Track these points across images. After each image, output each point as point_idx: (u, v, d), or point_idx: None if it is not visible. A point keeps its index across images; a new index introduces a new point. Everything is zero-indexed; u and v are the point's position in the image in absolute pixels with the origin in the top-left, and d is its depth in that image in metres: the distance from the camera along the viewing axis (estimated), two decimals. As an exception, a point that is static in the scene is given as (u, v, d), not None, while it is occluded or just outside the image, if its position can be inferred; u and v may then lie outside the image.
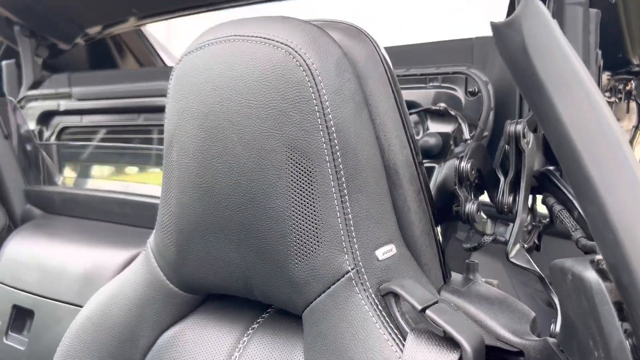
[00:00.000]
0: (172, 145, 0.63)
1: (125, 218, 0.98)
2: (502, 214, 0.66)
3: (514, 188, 0.65)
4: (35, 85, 1.31)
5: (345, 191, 0.55)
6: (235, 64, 0.57)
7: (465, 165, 0.65)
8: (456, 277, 0.68)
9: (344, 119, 0.55)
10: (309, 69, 0.54)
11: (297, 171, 0.55)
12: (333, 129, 0.54)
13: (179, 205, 0.63)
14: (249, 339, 0.62)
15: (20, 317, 0.92)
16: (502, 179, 0.67)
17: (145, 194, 0.96)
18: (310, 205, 0.55)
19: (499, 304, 0.64)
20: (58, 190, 1.13)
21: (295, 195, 0.55)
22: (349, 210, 0.55)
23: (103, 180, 1.21)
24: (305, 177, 0.55)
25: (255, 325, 0.64)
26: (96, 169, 1.21)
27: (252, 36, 0.57)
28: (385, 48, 0.63)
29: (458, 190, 0.65)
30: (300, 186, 0.55)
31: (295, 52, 0.54)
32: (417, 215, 0.61)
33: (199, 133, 0.59)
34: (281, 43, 0.55)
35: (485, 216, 0.66)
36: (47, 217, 1.12)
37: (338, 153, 0.55)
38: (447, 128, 0.83)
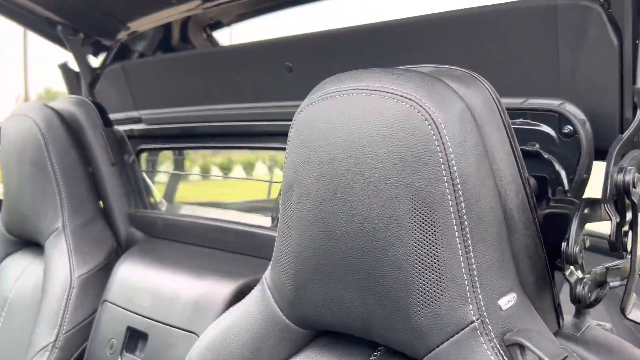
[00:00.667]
0: (292, 190, 0.66)
1: (226, 245, 1.03)
2: (614, 252, 0.65)
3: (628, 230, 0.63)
4: (93, 83, 1.40)
5: (469, 241, 0.56)
6: (359, 116, 0.59)
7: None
8: (567, 319, 0.67)
9: (467, 170, 0.56)
10: (434, 123, 0.55)
11: (420, 221, 0.56)
12: (457, 180, 0.55)
13: (297, 246, 0.66)
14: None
15: (134, 338, 0.98)
16: (613, 219, 0.65)
17: (245, 223, 1.01)
18: (434, 254, 0.56)
19: (618, 353, 0.63)
20: (161, 215, 1.20)
21: (419, 245, 0.56)
22: (472, 260, 0.56)
23: (200, 207, 1.27)
24: (429, 227, 0.56)
25: (366, 364, 0.66)
26: (192, 194, 1.28)
27: (374, 89, 0.59)
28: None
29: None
30: (424, 236, 0.56)
31: (420, 105, 0.56)
32: (533, 260, 0.61)
33: (320, 180, 0.62)
34: (405, 97, 0.57)
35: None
36: (150, 241, 1.19)
37: (462, 204, 0.56)
38: (541, 170, 0.78)
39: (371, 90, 0.60)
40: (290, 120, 0.98)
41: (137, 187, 1.27)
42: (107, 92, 1.43)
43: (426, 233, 0.56)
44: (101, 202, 1.23)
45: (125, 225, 1.24)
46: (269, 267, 0.73)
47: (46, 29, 1.36)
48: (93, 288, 1.10)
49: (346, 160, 0.60)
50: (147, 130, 1.33)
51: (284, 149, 1.15)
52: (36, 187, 1.14)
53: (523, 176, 0.62)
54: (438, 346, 0.57)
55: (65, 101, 1.27)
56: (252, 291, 0.75)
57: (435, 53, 0.90)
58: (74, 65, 1.42)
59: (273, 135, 1.14)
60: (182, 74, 1.21)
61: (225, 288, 0.89)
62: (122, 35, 1.33)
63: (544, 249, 0.63)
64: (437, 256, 0.56)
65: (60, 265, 1.09)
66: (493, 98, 0.63)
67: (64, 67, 1.45)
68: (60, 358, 1.02)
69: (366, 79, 0.61)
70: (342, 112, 0.61)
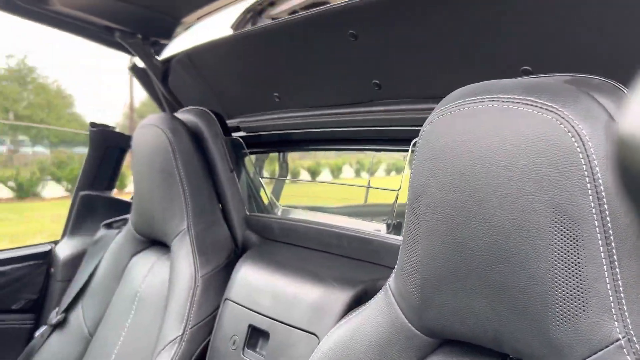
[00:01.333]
0: (419, 200, 0.68)
1: (340, 250, 1.06)
2: None
3: None
4: (164, 78, 1.46)
5: (614, 256, 0.54)
6: (495, 127, 0.59)
7: None
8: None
9: (612, 184, 0.55)
10: (579, 136, 0.54)
11: (562, 234, 0.56)
12: (603, 193, 0.54)
13: (425, 255, 0.68)
14: (491, 387, 0.64)
15: (256, 336, 1.04)
16: None
17: (360, 229, 1.03)
18: (576, 268, 0.55)
19: None
20: (277, 219, 1.25)
21: (559, 258, 0.56)
22: (618, 275, 0.54)
23: (310, 212, 1.32)
24: (572, 240, 0.55)
25: (495, 374, 0.66)
26: (306, 200, 1.34)
27: (512, 100, 0.59)
28: None
29: None
30: (565, 249, 0.56)
31: (562, 117, 0.55)
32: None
33: (452, 192, 0.63)
34: (546, 108, 0.57)
35: None
36: (266, 243, 1.26)
37: (608, 218, 0.54)
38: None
39: (508, 100, 0.60)
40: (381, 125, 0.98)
41: (254, 191, 1.35)
42: (180, 82, 1.51)
43: (568, 246, 0.56)
44: (220, 206, 1.31)
45: (242, 228, 1.31)
46: (393, 274, 0.74)
47: (105, 37, 1.44)
48: (215, 287, 1.17)
49: (481, 172, 0.61)
50: (248, 137, 1.40)
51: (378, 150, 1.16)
52: (165, 192, 1.24)
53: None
54: (579, 363, 0.56)
55: (188, 112, 1.37)
56: (376, 297, 0.77)
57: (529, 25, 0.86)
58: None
59: (372, 141, 1.16)
60: (250, 56, 1.23)
61: (345, 292, 0.92)
62: (179, 31, 1.37)
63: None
64: (580, 270, 0.55)
65: (185, 265, 1.18)
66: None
67: (133, 68, 1.55)
68: (187, 350, 1.10)
69: (501, 89, 0.61)
70: (477, 123, 0.61)
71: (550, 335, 0.57)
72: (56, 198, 11.52)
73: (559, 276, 0.56)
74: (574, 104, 0.57)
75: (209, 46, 1.27)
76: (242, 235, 1.31)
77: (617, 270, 0.55)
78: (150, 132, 1.26)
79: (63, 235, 1.67)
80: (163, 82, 1.51)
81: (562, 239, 0.56)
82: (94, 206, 1.64)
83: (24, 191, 11.34)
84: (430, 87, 1.01)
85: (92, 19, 1.35)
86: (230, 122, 1.44)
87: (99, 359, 1.30)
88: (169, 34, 1.40)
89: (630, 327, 0.54)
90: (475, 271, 0.62)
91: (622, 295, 0.54)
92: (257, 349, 1.02)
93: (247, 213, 1.32)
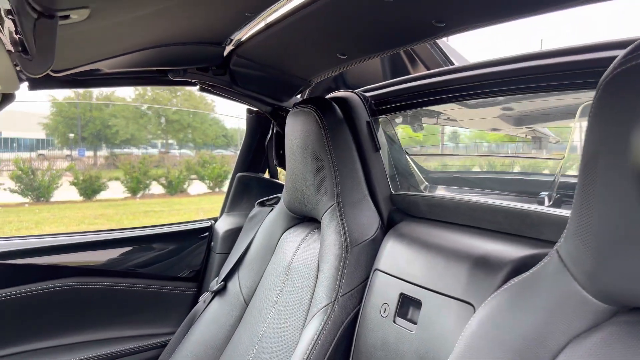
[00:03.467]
0: (598, 157, 0.65)
1: (494, 225, 1.04)
2: None
3: None
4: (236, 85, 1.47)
5: None
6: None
7: None
8: None
9: None
10: None
11: None
12: None
13: (602, 216, 0.65)
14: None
15: (407, 304, 1.06)
16: None
17: (516, 204, 1.00)
18: None
19: None
20: (423, 195, 1.27)
21: None
22: None
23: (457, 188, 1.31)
24: None
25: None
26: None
27: None
28: None
29: None
30: None
31: None
32: None
33: (631, 149, 0.60)
34: None
35: None
36: (413, 220, 1.27)
37: None
38: None
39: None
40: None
41: (400, 169, 1.37)
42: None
43: None
44: (367, 185, 1.36)
45: (387, 205, 1.34)
46: (562, 239, 0.72)
47: (160, 79, 1.47)
48: (364, 258, 1.22)
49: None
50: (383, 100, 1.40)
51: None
52: (317, 172, 1.31)
53: None
54: None
55: (338, 94, 1.44)
56: (540, 264, 0.75)
57: None
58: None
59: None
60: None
61: (503, 264, 0.90)
62: (227, 50, 1.33)
63: None
64: None
65: (335, 237, 1.24)
66: None
67: (202, 90, 1.55)
68: (339, 316, 1.16)
69: None
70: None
71: None
72: (200, 194, 12.61)
73: None
74: None
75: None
76: (387, 212, 1.34)
77: None
78: (303, 114, 1.34)
79: (222, 213, 1.84)
80: (236, 88, 1.53)
81: None
82: (249, 186, 1.78)
83: (173, 188, 12.56)
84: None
85: (139, 69, 1.40)
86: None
87: (254, 324, 1.42)
88: (218, 60, 1.39)
89: None
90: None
91: None
92: (409, 317, 1.04)
93: (392, 191, 1.35)
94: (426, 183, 1.37)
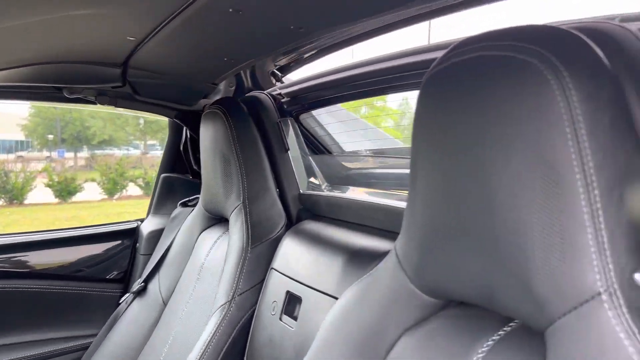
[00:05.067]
0: (418, 153, 0.67)
1: (376, 222, 1.06)
2: None
3: None
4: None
5: (598, 205, 0.51)
6: (482, 74, 0.58)
7: None
8: None
9: (598, 128, 0.51)
10: (556, 70, 0.51)
11: (541, 182, 0.53)
12: (584, 137, 0.51)
13: (423, 213, 0.67)
14: (488, 350, 0.62)
15: (292, 301, 1.08)
16: None
17: (392, 203, 1.03)
18: (555, 218, 0.52)
19: None
20: (324, 195, 1.29)
21: (540, 208, 0.53)
22: (602, 226, 0.50)
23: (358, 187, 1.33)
24: (552, 188, 0.52)
25: (496, 337, 0.63)
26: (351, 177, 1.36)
27: (499, 44, 0.57)
28: None
29: None
30: (545, 198, 0.53)
31: (545, 59, 0.53)
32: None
33: (446, 147, 0.62)
34: (529, 52, 0.54)
35: None
36: (315, 218, 1.29)
37: (590, 163, 0.51)
38: None
39: (495, 44, 0.58)
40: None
41: (307, 170, 1.39)
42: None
43: (549, 195, 0.53)
44: (275, 185, 1.37)
45: (295, 205, 1.36)
46: (399, 236, 0.75)
47: (54, 96, 1.46)
48: (264, 257, 1.24)
49: (471, 124, 0.59)
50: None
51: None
52: (225, 172, 1.33)
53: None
54: (560, 318, 0.53)
55: (249, 96, 1.45)
56: (385, 259, 0.78)
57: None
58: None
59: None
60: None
61: (371, 257, 0.93)
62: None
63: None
64: (561, 221, 0.52)
65: (238, 236, 1.26)
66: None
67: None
68: (235, 315, 1.17)
69: (492, 35, 0.59)
70: (470, 73, 0.60)
71: (532, 290, 0.55)
72: (176, 195, 12.45)
73: (539, 226, 0.53)
74: (559, 45, 0.54)
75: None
76: (295, 212, 1.36)
77: (601, 220, 0.51)
78: (210, 117, 1.35)
79: (148, 214, 1.84)
80: (139, 98, 1.52)
81: (542, 187, 0.53)
82: (173, 187, 1.79)
83: (150, 188, 12.46)
84: None
85: (30, 84, 1.37)
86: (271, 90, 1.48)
87: (169, 324, 1.43)
88: (116, 80, 1.38)
89: (614, 279, 0.50)
90: (466, 225, 0.61)
91: (605, 247, 0.50)
92: (292, 314, 1.06)
93: (300, 191, 1.37)
94: (326, 183, 1.39)
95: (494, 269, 0.58)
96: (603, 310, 0.50)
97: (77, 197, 11.85)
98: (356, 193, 1.25)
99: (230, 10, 0.94)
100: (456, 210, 0.61)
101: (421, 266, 0.68)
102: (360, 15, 0.89)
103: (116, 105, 1.51)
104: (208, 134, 1.37)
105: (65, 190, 11.73)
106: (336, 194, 1.26)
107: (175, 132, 1.76)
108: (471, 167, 0.59)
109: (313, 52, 1.36)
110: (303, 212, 1.35)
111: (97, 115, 16.55)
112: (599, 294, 0.50)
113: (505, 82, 0.55)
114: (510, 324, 0.64)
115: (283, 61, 1.46)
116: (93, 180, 12.26)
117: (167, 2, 0.95)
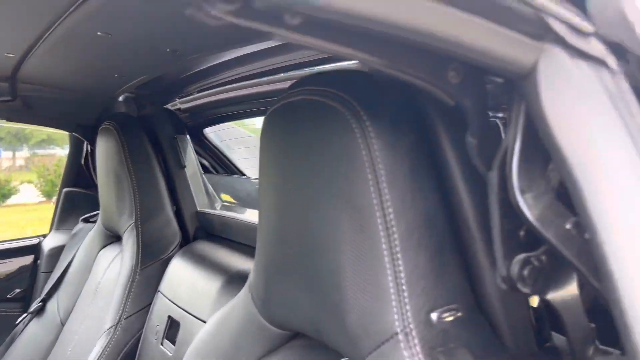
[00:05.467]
0: (261, 188, 0.69)
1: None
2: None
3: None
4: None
5: (397, 247, 0.53)
6: (304, 118, 0.59)
7: None
8: (560, 341, 0.59)
9: (397, 176, 0.53)
10: (360, 119, 0.53)
11: (349, 223, 0.55)
12: (384, 184, 0.53)
13: (265, 249, 0.69)
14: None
15: (173, 327, 1.07)
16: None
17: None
18: (362, 260, 0.54)
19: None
20: (217, 214, 1.29)
21: (348, 248, 0.55)
22: (400, 268, 0.53)
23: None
24: (358, 230, 0.54)
25: (335, 369, 0.65)
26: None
27: (315, 88, 0.59)
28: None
29: None
30: (353, 238, 0.55)
31: (348, 105, 0.54)
32: (489, 271, 0.55)
33: (277, 186, 0.64)
34: (334, 97, 0.56)
35: None
36: (210, 238, 1.29)
37: (390, 209, 0.53)
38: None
39: (309, 89, 0.59)
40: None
41: (205, 187, 1.39)
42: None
43: (355, 236, 0.55)
44: (171, 202, 1.36)
45: (192, 223, 1.35)
46: (252, 267, 0.75)
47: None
48: (154, 279, 1.22)
49: (292, 165, 0.61)
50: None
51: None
52: (118, 190, 1.30)
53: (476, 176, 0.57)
54: (368, 355, 0.55)
55: (145, 111, 1.43)
56: (243, 288, 0.79)
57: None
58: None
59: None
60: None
61: (242, 282, 0.93)
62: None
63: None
64: (366, 261, 0.54)
65: (129, 257, 1.24)
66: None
67: None
68: (121, 339, 1.15)
69: (308, 81, 0.61)
70: (295, 116, 0.61)
71: (346, 327, 0.57)
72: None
73: (349, 266, 0.55)
74: (364, 90, 0.56)
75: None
76: (192, 230, 1.35)
77: (400, 262, 0.53)
78: (106, 133, 1.32)
79: (50, 229, 1.78)
80: (32, 112, 1.48)
81: (350, 228, 0.55)
82: (76, 202, 1.74)
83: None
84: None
85: None
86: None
87: (65, 345, 1.38)
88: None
89: (411, 320, 0.52)
90: (294, 264, 0.63)
91: (404, 287, 0.53)
92: (172, 339, 1.06)
93: (198, 209, 1.36)
94: (220, 202, 1.39)
95: (319, 305, 0.60)
96: (399, 350, 0.52)
97: (13, 199, 11.30)
98: (249, 213, 1.26)
99: (99, 33, 0.92)
100: (288, 248, 0.63)
101: (266, 299, 0.70)
102: (231, 42, 0.90)
103: (8, 119, 1.45)
104: (101, 151, 1.34)
105: (-1, 193, 11.17)
106: (228, 213, 1.26)
107: (76, 146, 1.71)
108: (297, 207, 0.60)
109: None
110: (200, 231, 1.34)
111: (35, 114, 15.85)
112: (397, 333, 0.52)
113: (319, 127, 0.57)
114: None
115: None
116: (30, 182, 11.73)
117: (35, 23, 0.92)
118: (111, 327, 1.15)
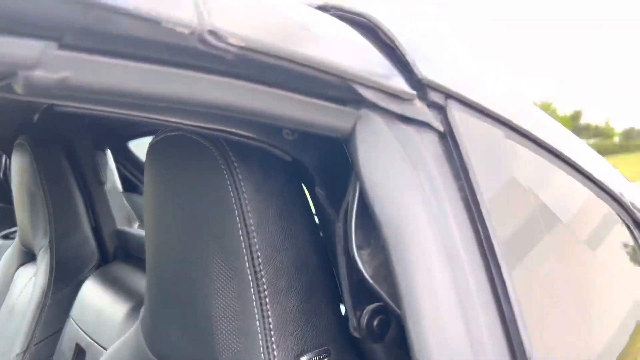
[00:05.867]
0: (145, 224, 0.67)
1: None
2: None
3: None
4: None
5: (265, 292, 0.52)
6: (180, 154, 0.58)
7: None
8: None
9: (266, 220, 0.52)
10: (228, 159, 0.52)
11: (220, 267, 0.54)
12: (252, 228, 0.52)
13: (151, 283, 0.67)
14: None
15: (80, 356, 1.04)
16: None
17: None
18: (232, 306, 0.53)
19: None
20: (134, 233, 1.25)
21: (219, 292, 0.54)
22: (268, 313, 0.52)
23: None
24: (229, 274, 0.53)
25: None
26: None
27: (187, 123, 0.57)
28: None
29: None
30: (224, 283, 0.54)
31: (219, 140, 0.53)
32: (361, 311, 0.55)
33: (158, 221, 0.62)
34: (205, 138, 0.54)
35: None
36: (128, 258, 1.25)
37: (258, 252, 0.52)
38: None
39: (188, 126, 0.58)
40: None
41: (123, 205, 1.35)
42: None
43: (226, 280, 0.54)
44: (89, 220, 1.31)
45: (113, 242, 1.31)
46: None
47: None
48: (66, 302, 1.17)
49: (167, 202, 0.59)
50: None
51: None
52: (31, 208, 1.25)
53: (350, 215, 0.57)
54: (239, 402, 0.54)
55: (61, 126, 1.37)
56: (139, 319, 0.76)
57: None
58: None
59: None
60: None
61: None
62: None
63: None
64: (236, 308, 0.53)
65: (41, 280, 1.19)
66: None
67: None
68: (29, 368, 1.11)
69: None
70: (172, 150, 0.60)
71: (221, 373, 0.55)
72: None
73: (221, 313, 0.54)
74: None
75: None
76: (112, 250, 1.31)
77: (268, 307, 0.52)
78: (20, 149, 1.27)
79: (-32, 246, 1.70)
80: None
81: (221, 272, 0.54)
82: (-3, 217, 1.67)
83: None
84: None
85: None
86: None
87: (-23, 372, 1.32)
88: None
89: (278, 367, 0.52)
90: (175, 299, 0.61)
91: (272, 333, 0.52)
92: (82, 369, 1.02)
93: (117, 227, 1.32)
94: (138, 221, 1.36)
95: (195, 344, 0.59)
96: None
97: None
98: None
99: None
100: (169, 283, 0.61)
101: (153, 333, 0.68)
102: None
103: None
104: (16, 167, 1.28)
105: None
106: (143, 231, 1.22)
107: (-6, 158, 1.64)
108: (174, 245, 0.59)
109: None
110: (119, 251, 1.30)
111: None
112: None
113: (193, 166, 0.56)
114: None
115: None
116: None
117: None
118: (19, 353, 1.10)
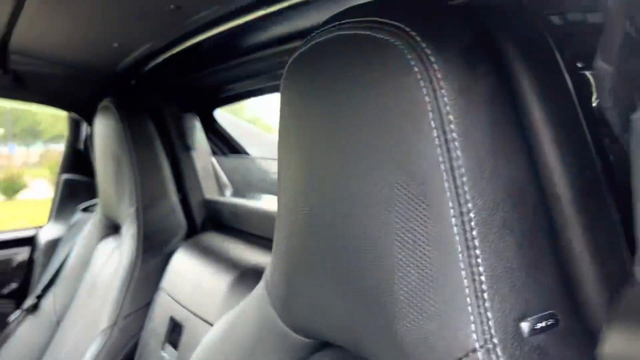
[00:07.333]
0: (281, 163, 0.54)
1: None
2: None
3: None
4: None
5: (474, 232, 0.38)
6: (340, 59, 0.45)
7: None
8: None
9: (473, 130, 0.38)
10: (423, 56, 0.39)
11: (406, 205, 0.40)
12: (456, 143, 0.38)
13: (286, 239, 0.54)
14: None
15: (176, 329, 0.93)
16: None
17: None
18: (424, 251, 0.39)
19: None
20: (227, 202, 1.14)
21: (405, 237, 0.40)
22: (479, 260, 0.38)
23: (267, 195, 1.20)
24: (417, 212, 0.40)
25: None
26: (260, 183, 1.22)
27: (359, 20, 0.44)
28: None
29: None
30: (409, 224, 0.40)
31: (413, 40, 0.39)
32: (593, 265, 0.41)
33: (304, 155, 0.49)
34: (395, 32, 0.41)
35: None
36: (219, 228, 1.15)
37: (464, 178, 0.38)
38: None
39: (354, 22, 0.44)
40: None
41: (212, 172, 1.25)
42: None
43: (413, 220, 0.40)
44: (176, 189, 1.22)
45: (199, 212, 1.21)
46: (270, 261, 0.61)
47: None
48: (155, 275, 1.08)
49: (323, 129, 0.46)
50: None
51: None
52: (117, 175, 1.17)
53: (587, 137, 0.43)
54: (427, 376, 0.40)
55: (147, 91, 1.29)
56: (257, 287, 0.64)
57: None
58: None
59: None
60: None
61: (256, 280, 0.79)
62: None
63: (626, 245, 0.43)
64: (429, 254, 0.39)
65: (129, 250, 1.10)
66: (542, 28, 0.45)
67: None
68: (118, 342, 1.02)
69: (352, 12, 0.46)
70: (327, 61, 0.47)
71: (399, 337, 0.42)
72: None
73: (405, 262, 0.40)
74: (430, 22, 0.41)
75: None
76: (200, 220, 1.21)
77: (478, 252, 0.38)
78: (104, 112, 1.19)
79: (49, 220, 1.65)
80: (24, 88, 1.36)
81: (406, 212, 0.40)
82: (76, 190, 1.61)
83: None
84: None
85: None
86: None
87: (60, 345, 1.25)
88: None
89: (494, 331, 0.38)
90: (326, 255, 0.48)
91: (484, 287, 0.38)
92: (174, 343, 0.91)
93: (205, 197, 1.22)
94: (231, 188, 1.25)
95: (359, 311, 0.45)
96: (478, 372, 0.37)
97: (26, 194, 11.32)
98: (268, 201, 1.11)
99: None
100: (317, 236, 0.48)
101: (288, 300, 0.55)
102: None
103: None
104: (100, 131, 1.21)
105: (11, 188, 11.19)
106: (239, 201, 1.12)
107: (74, 128, 1.58)
108: (331, 181, 0.46)
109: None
110: (208, 222, 1.20)
111: (47, 110, 15.85)
112: (474, 350, 0.38)
113: (363, 69, 0.42)
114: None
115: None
116: (43, 177, 11.73)
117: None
118: (107, 327, 1.02)
